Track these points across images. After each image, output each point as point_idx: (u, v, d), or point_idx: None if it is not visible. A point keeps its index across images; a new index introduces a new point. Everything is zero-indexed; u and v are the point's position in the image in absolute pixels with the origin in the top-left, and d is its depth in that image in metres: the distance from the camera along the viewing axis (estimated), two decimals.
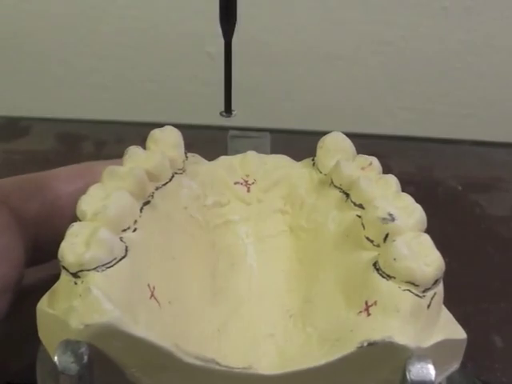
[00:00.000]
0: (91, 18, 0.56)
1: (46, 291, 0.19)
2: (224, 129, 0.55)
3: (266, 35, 0.52)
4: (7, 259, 0.22)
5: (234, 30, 0.19)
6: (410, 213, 0.20)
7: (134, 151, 0.23)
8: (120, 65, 0.57)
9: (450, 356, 0.19)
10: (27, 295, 0.22)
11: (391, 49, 0.54)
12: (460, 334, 0.20)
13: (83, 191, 0.22)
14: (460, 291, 0.41)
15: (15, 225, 0.23)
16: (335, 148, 0.24)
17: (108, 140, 0.57)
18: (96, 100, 0.60)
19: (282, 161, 0.26)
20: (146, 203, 0.21)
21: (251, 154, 0.25)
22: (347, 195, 0.22)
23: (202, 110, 0.58)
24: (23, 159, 0.54)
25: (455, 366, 0.20)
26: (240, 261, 0.23)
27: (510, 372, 0.34)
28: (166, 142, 0.24)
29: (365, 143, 0.60)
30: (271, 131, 0.65)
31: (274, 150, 0.55)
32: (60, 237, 0.21)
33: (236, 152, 0.26)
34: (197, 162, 0.25)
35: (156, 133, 0.24)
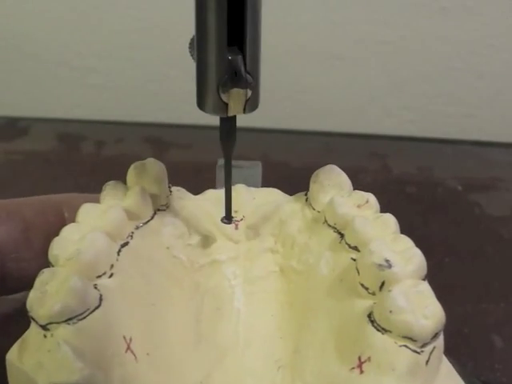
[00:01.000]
0: (91, 18, 0.56)
1: (15, 322, 0.18)
2: None
3: (265, 35, 0.52)
4: None
5: (234, 148, 0.19)
6: (408, 258, 0.18)
7: (112, 187, 0.21)
8: (120, 65, 0.57)
9: None
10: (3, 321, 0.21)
11: (391, 49, 0.54)
12: None
13: (56, 224, 0.21)
14: (460, 291, 0.41)
15: None
16: (329, 183, 0.23)
17: (108, 140, 0.57)
18: (96, 100, 0.60)
19: (272, 195, 0.24)
20: (125, 245, 0.20)
21: (240, 188, 0.24)
22: (341, 235, 0.21)
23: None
24: (23, 159, 0.54)
25: None
26: (226, 304, 0.21)
27: (510, 372, 0.34)
28: (149, 177, 0.22)
29: (365, 143, 0.60)
30: (271, 131, 0.65)
31: (275, 150, 0.55)
32: (27, 269, 0.20)
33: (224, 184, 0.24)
34: (182, 196, 0.23)
35: (137, 166, 0.22)
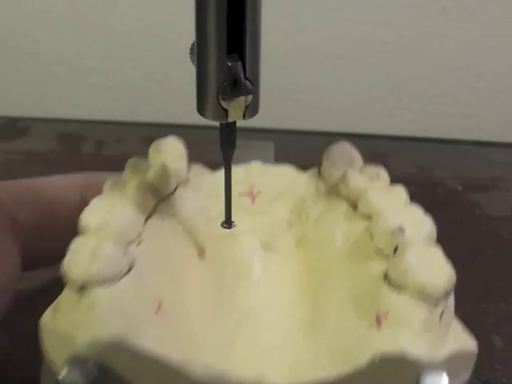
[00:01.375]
0: (91, 18, 0.56)
1: (42, 297, 0.19)
2: None
3: (265, 35, 0.52)
4: (2, 262, 0.22)
5: (233, 154, 0.20)
6: (419, 225, 0.20)
7: (136, 163, 0.23)
8: (120, 65, 0.57)
9: (460, 368, 0.19)
10: (23, 300, 0.22)
11: (391, 49, 0.54)
12: (471, 345, 0.20)
13: (76, 202, 0.22)
14: (460, 291, 0.41)
15: (9, 229, 0.22)
16: (342, 158, 0.24)
17: (108, 140, 0.57)
18: (96, 100, 0.60)
19: (286, 171, 0.25)
20: (149, 216, 0.21)
21: (255, 165, 0.25)
22: (355, 207, 0.22)
23: None
24: (23, 159, 0.54)
25: (464, 378, 0.20)
26: (246, 272, 0.22)
27: (510, 372, 0.34)
28: (169, 154, 0.23)
29: (365, 143, 0.60)
30: (271, 131, 0.65)
31: (275, 151, 0.55)
32: (51, 245, 0.21)
33: (239, 162, 0.25)
34: (200, 173, 0.25)
35: (158, 144, 0.24)
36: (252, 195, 0.24)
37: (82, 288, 0.17)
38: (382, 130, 0.58)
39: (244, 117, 0.18)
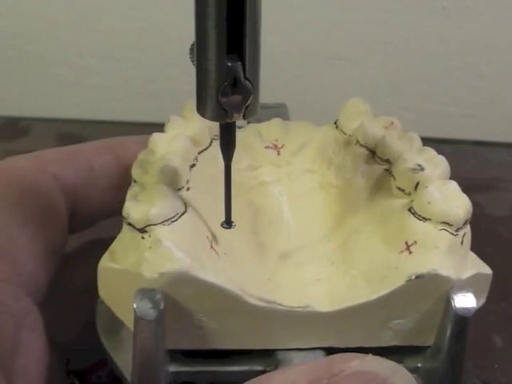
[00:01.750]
0: (91, 18, 0.56)
1: (85, 258, 0.21)
2: None
3: (265, 35, 0.52)
4: (55, 222, 0.23)
5: (233, 154, 0.20)
6: (435, 163, 0.22)
7: (175, 119, 0.25)
8: (120, 65, 0.57)
9: (479, 290, 0.21)
10: (66, 262, 0.23)
11: (391, 49, 0.54)
12: (487, 269, 0.22)
13: (113, 164, 0.24)
14: None
15: (58, 190, 0.24)
16: (357, 111, 0.27)
17: None
18: (96, 100, 0.60)
19: (305, 125, 0.27)
20: (192, 166, 0.22)
21: (277, 121, 0.27)
22: (373, 153, 0.24)
23: None
24: None
25: (482, 300, 0.22)
26: (277, 217, 0.24)
27: (510, 372, 0.34)
28: None
29: None
30: None
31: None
32: (93, 206, 0.23)
33: (258, 122, 0.27)
34: None
35: (190, 102, 0.25)
36: (277, 148, 0.26)
37: (144, 228, 0.18)
38: None
39: (244, 117, 0.19)
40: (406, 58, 0.54)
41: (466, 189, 0.55)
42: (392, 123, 0.25)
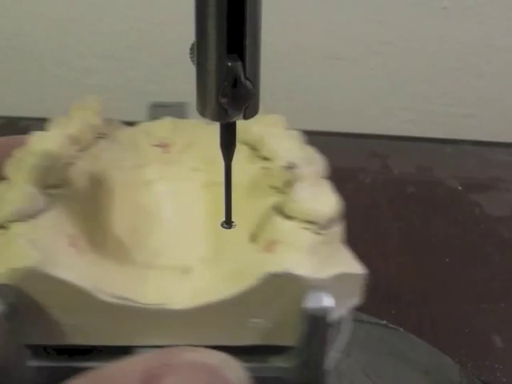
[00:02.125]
0: (91, 18, 0.56)
1: None
2: None
3: (265, 35, 0.52)
4: None
5: (233, 154, 0.20)
6: (311, 162, 0.22)
7: (57, 118, 0.25)
8: (120, 65, 0.57)
9: (349, 290, 0.21)
10: None
11: (391, 49, 0.54)
12: (357, 269, 0.21)
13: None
14: (460, 291, 0.41)
15: None
16: None
17: None
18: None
19: (195, 124, 0.27)
20: (70, 164, 0.23)
21: (167, 119, 0.27)
22: (254, 150, 0.24)
23: None
24: None
25: (356, 300, 0.22)
26: (158, 216, 0.24)
27: (510, 372, 0.34)
28: (88, 110, 0.26)
29: (365, 143, 0.60)
30: None
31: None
32: None
33: (155, 120, 0.28)
34: (118, 127, 0.27)
35: (78, 103, 0.27)
36: (164, 146, 0.26)
37: (4, 224, 0.19)
38: (382, 130, 0.58)
39: (244, 117, 0.19)
40: (406, 58, 0.54)
41: (466, 189, 0.55)
42: (275, 121, 0.25)
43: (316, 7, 0.53)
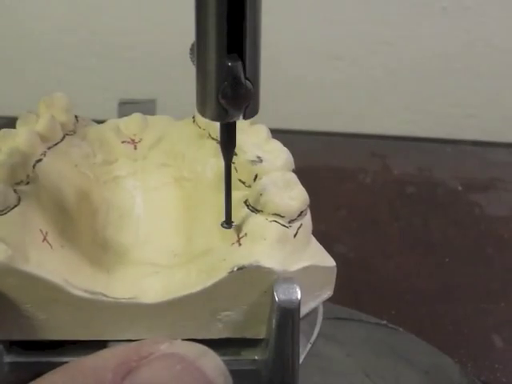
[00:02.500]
0: (91, 18, 0.56)
1: None
2: None
3: (265, 35, 0.52)
4: None
5: (233, 154, 0.20)
6: (277, 155, 0.22)
7: (26, 115, 0.25)
8: (120, 65, 0.57)
9: (320, 283, 0.21)
10: None
11: (391, 49, 0.54)
12: (329, 262, 0.21)
13: None
14: (460, 291, 0.41)
15: None
16: None
17: None
18: (96, 100, 0.60)
19: (164, 120, 0.28)
20: (39, 161, 0.23)
21: (136, 116, 0.27)
22: None
23: None
24: None
25: (328, 293, 0.22)
26: (128, 212, 0.24)
27: (510, 372, 0.34)
28: (57, 107, 0.26)
29: (365, 143, 0.60)
30: (271, 131, 0.65)
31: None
32: None
33: (124, 116, 0.28)
34: (87, 124, 0.27)
35: (47, 99, 0.27)
36: (134, 143, 0.26)
37: None
38: (382, 130, 0.58)
39: (244, 116, 0.19)
40: (406, 58, 0.54)
41: (466, 189, 0.55)
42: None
43: (316, 7, 0.53)
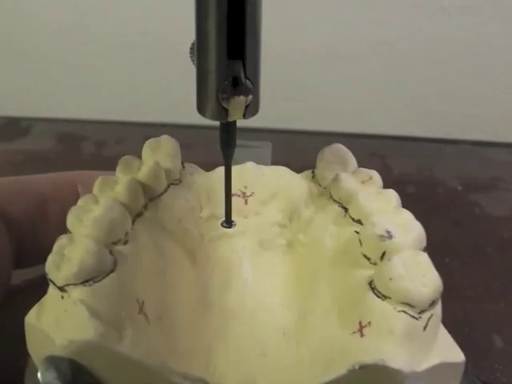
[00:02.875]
0: (91, 18, 0.56)
1: (33, 294, 0.19)
2: None
3: (265, 35, 0.52)
4: None
5: (233, 154, 0.20)
6: (408, 230, 0.19)
7: (128, 161, 0.22)
8: (120, 65, 0.57)
9: (446, 378, 0.19)
10: (14, 297, 0.22)
11: (391, 49, 0.54)
12: (458, 356, 0.19)
13: (70, 199, 0.21)
14: (460, 291, 0.41)
15: (1, 224, 0.22)
16: (335, 160, 0.23)
17: (108, 140, 0.57)
18: (96, 100, 0.60)
19: (280, 172, 0.25)
20: (139, 215, 0.21)
21: (250, 166, 0.25)
22: (346, 210, 0.21)
23: None
24: (23, 159, 0.54)
25: None
26: (235, 275, 0.22)
27: (510, 372, 0.34)
28: (162, 152, 0.23)
29: (365, 143, 0.60)
30: (271, 131, 0.65)
31: (275, 151, 0.55)
32: (44, 243, 0.20)
33: (235, 163, 0.25)
34: (194, 172, 0.24)
35: (152, 142, 0.23)
36: (245, 196, 0.24)
37: (64, 287, 0.17)
38: (382, 130, 0.58)
39: (244, 116, 0.18)
40: (406, 58, 0.54)
41: (466, 189, 0.55)
42: (370, 178, 0.22)
43: (316, 7, 0.53)
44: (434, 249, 0.46)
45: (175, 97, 0.58)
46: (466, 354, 0.37)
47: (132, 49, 0.56)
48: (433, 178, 0.52)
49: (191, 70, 0.19)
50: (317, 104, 0.57)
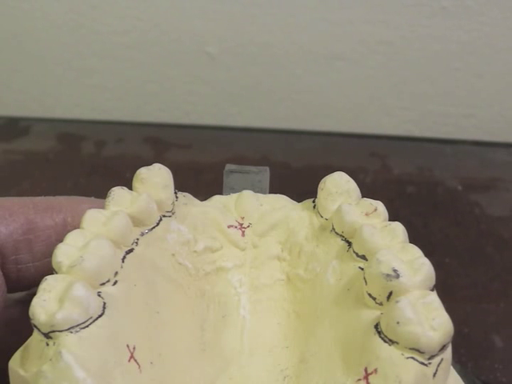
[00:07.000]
0: (91, 18, 0.56)
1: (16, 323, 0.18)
2: (224, 129, 0.55)
3: (265, 35, 0.52)
4: None
5: None
6: (416, 268, 0.18)
7: (117, 193, 0.21)
8: (120, 65, 0.57)
9: None
10: (9, 321, 0.21)
11: (391, 49, 0.54)
12: None
13: (60, 226, 0.21)
14: (460, 291, 0.41)
15: None
16: (337, 190, 0.22)
17: (108, 140, 0.57)
18: (96, 100, 0.60)
19: (280, 202, 0.24)
20: (130, 251, 0.19)
21: (247, 194, 0.23)
22: (349, 244, 0.20)
23: (202, 110, 0.58)
24: (23, 159, 0.54)
25: None
26: (232, 312, 0.21)
27: (510, 372, 0.34)
28: (154, 183, 0.22)
29: (365, 143, 0.60)
30: (270, 131, 0.65)
31: (275, 151, 0.55)
32: (26, 276, 0.19)
33: (231, 189, 0.24)
34: (188, 202, 0.23)
35: (142, 172, 0.22)
36: (242, 228, 0.23)
37: (49, 333, 0.16)
38: (382, 130, 0.58)
39: None
40: (406, 58, 0.54)
41: (466, 189, 0.55)
42: (375, 209, 0.21)
43: (316, 7, 0.53)
44: (434, 249, 0.47)
45: (175, 97, 0.58)
46: (466, 354, 0.37)
47: (132, 49, 0.56)
48: (433, 178, 0.52)
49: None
50: (317, 104, 0.57)
